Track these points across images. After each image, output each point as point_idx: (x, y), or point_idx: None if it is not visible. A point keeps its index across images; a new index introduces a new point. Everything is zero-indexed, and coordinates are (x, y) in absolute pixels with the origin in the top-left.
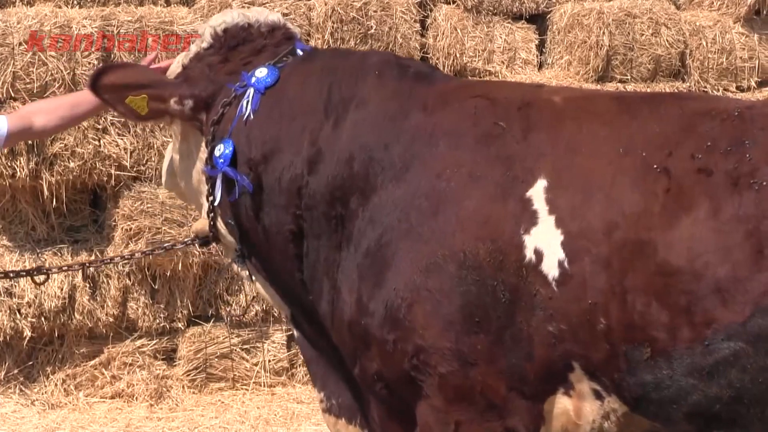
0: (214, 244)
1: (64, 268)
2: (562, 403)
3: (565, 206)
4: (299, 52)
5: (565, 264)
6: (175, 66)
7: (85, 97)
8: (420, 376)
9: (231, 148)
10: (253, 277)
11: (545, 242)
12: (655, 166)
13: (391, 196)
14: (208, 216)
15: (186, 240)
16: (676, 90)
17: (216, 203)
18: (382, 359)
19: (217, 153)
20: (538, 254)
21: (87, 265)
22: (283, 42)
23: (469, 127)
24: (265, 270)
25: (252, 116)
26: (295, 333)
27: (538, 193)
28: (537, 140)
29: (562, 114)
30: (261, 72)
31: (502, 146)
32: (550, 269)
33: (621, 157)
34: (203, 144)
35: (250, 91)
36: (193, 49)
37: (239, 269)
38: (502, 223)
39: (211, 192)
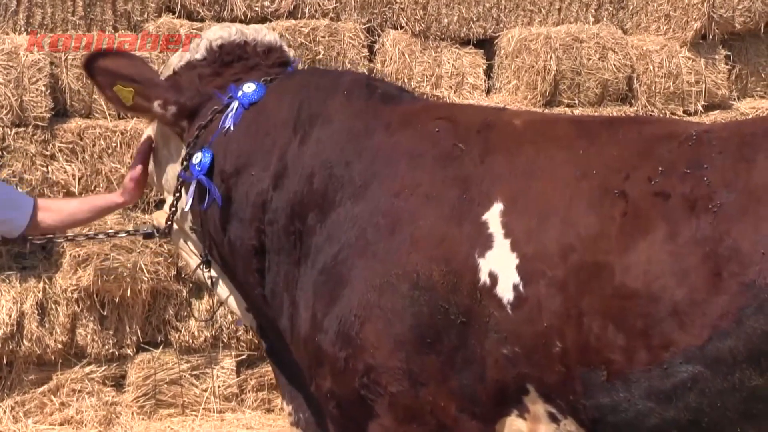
0: (159, 240)
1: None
2: (516, 426)
3: (520, 229)
4: None
5: (520, 287)
6: (167, 69)
7: (92, 201)
8: (370, 395)
9: (209, 158)
10: (218, 286)
11: (500, 265)
12: (612, 190)
13: (350, 213)
14: (169, 218)
15: (131, 230)
16: (623, 114)
17: (187, 208)
18: (334, 377)
19: (195, 160)
20: (493, 277)
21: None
22: (276, 65)
23: (428, 148)
24: (232, 281)
25: (233, 129)
26: (264, 344)
27: (493, 216)
28: (495, 163)
29: (521, 137)
30: (249, 87)
31: (460, 168)
32: (505, 292)
33: (578, 181)
34: (183, 149)
35: (235, 104)
36: (186, 56)
37: (204, 276)
38: (457, 245)
39: (178, 196)
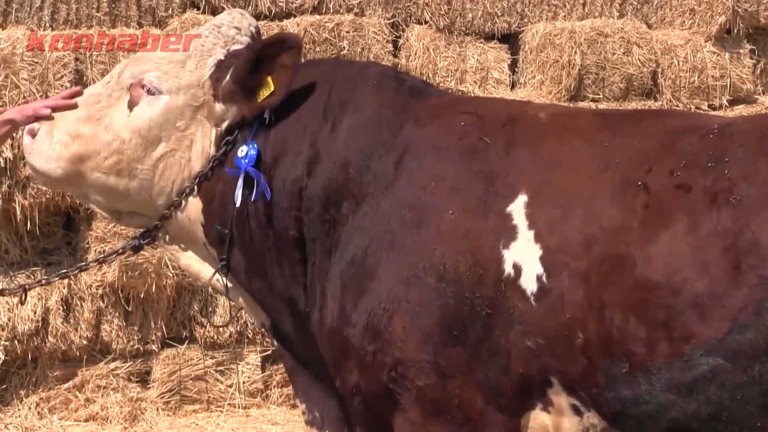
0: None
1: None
2: (540, 419)
3: (544, 221)
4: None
5: (544, 278)
6: (173, 67)
7: None
8: (398, 388)
9: (255, 151)
10: (230, 287)
11: (524, 257)
12: (634, 182)
13: (380, 205)
14: (207, 222)
15: (117, 248)
16: (648, 109)
17: (238, 203)
18: (361, 371)
19: (240, 154)
20: (517, 269)
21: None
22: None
23: (454, 141)
24: (262, 276)
25: (273, 118)
26: (275, 343)
27: (518, 208)
28: (519, 156)
29: (545, 130)
30: None
31: (485, 161)
32: (529, 284)
33: (601, 173)
34: (211, 140)
35: None
36: (196, 55)
37: (223, 279)
38: (482, 238)
39: (177, 202)
